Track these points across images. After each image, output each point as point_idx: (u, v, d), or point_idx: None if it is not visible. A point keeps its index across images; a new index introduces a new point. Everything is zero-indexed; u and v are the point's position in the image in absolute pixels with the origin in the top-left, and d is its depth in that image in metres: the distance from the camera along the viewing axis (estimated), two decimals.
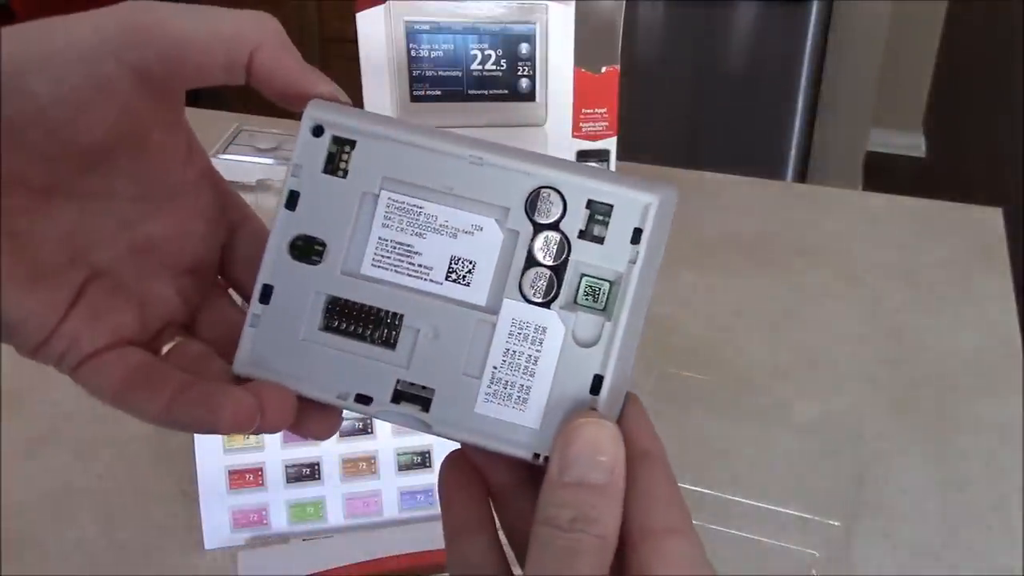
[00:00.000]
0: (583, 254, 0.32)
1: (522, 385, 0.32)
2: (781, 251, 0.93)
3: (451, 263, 0.33)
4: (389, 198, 0.33)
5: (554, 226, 0.32)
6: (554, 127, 0.89)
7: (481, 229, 0.33)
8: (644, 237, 0.32)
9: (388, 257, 0.33)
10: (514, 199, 0.33)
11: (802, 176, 2.17)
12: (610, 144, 0.90)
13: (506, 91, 0.87)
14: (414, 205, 0.33)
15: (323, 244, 0.33)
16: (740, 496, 0.66)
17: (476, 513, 0.34)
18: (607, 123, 0.89)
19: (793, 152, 2.13)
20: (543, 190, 0.32)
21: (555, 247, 0.32)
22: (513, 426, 0.32)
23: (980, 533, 0.65)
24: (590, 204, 0.32)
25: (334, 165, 0.33)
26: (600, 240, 0.32)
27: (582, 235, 0.32)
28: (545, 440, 0.32)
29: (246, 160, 0.99)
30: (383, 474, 0.66)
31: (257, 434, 0.32)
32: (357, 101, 1.04)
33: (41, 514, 0.66)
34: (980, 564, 0.63)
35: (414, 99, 0.88)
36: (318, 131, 0.34)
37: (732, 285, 0.89)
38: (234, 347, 0.34)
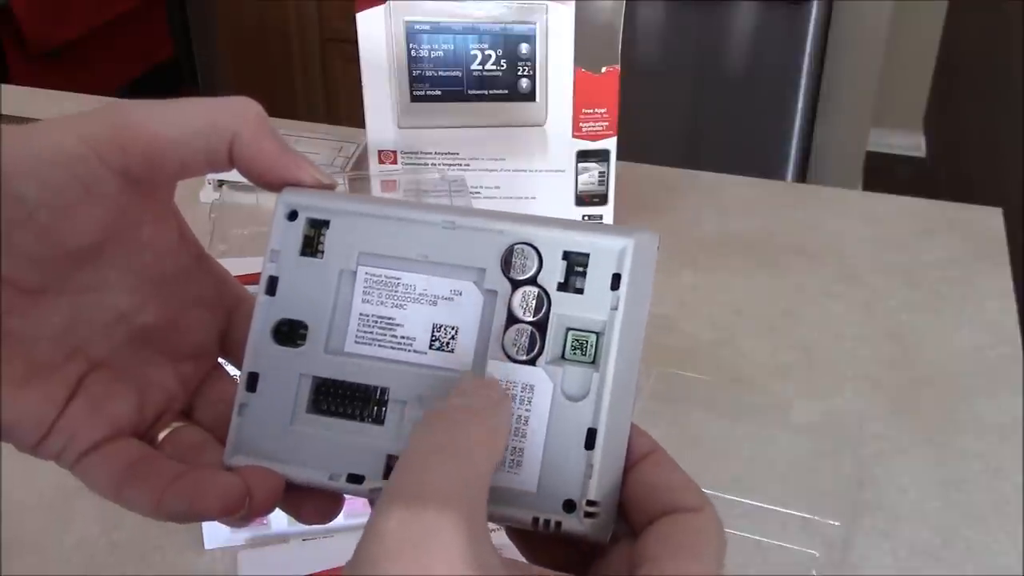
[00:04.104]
0: (564, 307, 0.32)
1: (515, 448, 0.31)
2: (781, 251, 0.93)
3: (434, 331, 0.33)
4: (366, 273, 0.33)
5: (531, 281, 0.32)
6: (554, 127, 0.89)
7: (460, 293, 0.32)
8: (623, 282, 0.31)
9: (371, 332, 0.33)
10: (489, 259, 0.32)
11: (802, 176, 2.18)
12: (610, 144, 0.90)
13: (506, 91, 0.87)
14: (392, 277, 0.33)
15: (306, 326, 0.33)
16: (740, 496, 0.66)
17: None
18: (607, 123, 0.89)
19: (793, 152, 2.13)
20: (517, 246, 0.32)
21: (533, 302, 0.32)
22: (510, 492, 0.31)
23: (980, 533, 0.65)
24: (566, 256, 0.32)
25: (312, 247, 0.33)
26: (580, 291, 0.32)
27: (561, 287, 0.32)
28: (544, 503, 0.31)
29: None
30: None
31: (247, 518, 0.32)
32: (357, 101, 1.04)
33: (41, 514, 0.66)
34: (980, 564, 0.63)
35: (414, 99, 0.88)
36: (292, 215, 0.34)
37: (732, 285, 0.89)
38: None
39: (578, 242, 0.32)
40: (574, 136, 0.89)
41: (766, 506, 0.66)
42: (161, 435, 0.34)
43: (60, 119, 0.31)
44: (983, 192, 2.06)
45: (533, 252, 0.32)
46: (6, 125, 0.30)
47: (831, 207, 1.01)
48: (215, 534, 0.64)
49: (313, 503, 0.33)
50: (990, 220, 0.98)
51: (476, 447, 0.28)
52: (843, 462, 0.70)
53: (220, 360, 0.37)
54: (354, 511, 0.65)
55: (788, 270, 0.91)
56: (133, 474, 0.32)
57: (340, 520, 0.67)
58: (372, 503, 0.33)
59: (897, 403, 0.76)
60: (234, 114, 0.32)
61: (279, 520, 0.64)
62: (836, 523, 0.65)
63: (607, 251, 0.31)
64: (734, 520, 0.65)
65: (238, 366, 0.35)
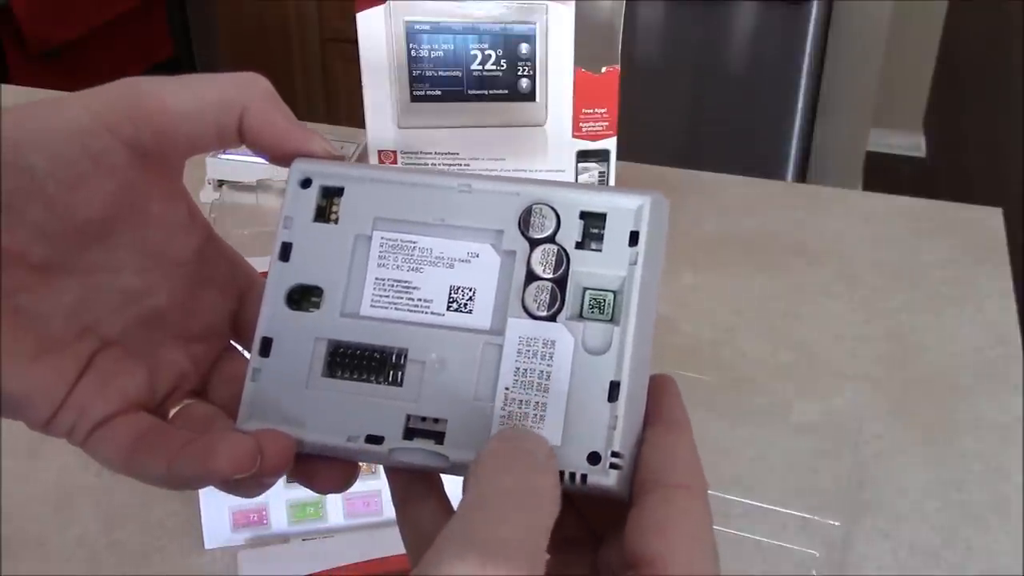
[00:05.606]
0: (583, 264, 0.32)
1: (537, 403, 0.31)
2: (781, 251, 0.93)
3: (451, 293, 0.33)
4: (382, 238, 0.33)
5: (550, 239, 0.32)
6: (554, 127, 0.89)
7: (477, 255, 0.33)
8: (641, 238, 0.32)
9: (386, 296, 0.33)
10: (507, 220, 0.33)
11: (802, 176, 2.18)
12: (610, 144, 0.90)
13: (506, 91, 0.87)
14: (408, 241, 0.33)
15: (320, 292, 0.33)
16: (740, 496, 0.66)
17: (423, 479, 0.34)
18: (607, 123, 0.89)
19: (793, 152, 2.13)
20: (535, 206, 0.33)
21: (553, 258, 0.32)
22: None
23: (980, 533, 0.65)
24: (583, 215, 0.32)
25: (324, 216, 0.34)
26: (598, 249, 0.32)
27: (579, 246, 0.32)
28: (569, 456, 0.31)
29: (247, 159, 0.99)
30: (383, 473, 0.66)
31: (259, 481, 0.32)
32: (357, 101, 1.04)
33: (42, 513, 0.66)
34: (980, 564, 0.63)
35: (414, 99, 0.88)
36: (306, 183, 0.34)
37: (732, 285, 0.89)
38: None
39: (595, 202, 0.32)
40: (574, 136, 0.89)
41: (766, 506, 0.66)
42: (172, 412, 0.34)
43: (71, 93, 0.31)
44: (983, 192, 2.06)
45: (551, 212, 0.32)
46: (12, 103, 0.30)
47: (831, 207, 1.01)
48: (215, 534, 0.64)
49: (327, 470, 0.33)
50: (990, 220, 0.98)
51: (545, 497, 0.28)
52: (843, 462, 0.70)
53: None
54: (355, 511, 0.65)
55: (788, 270, 0.91)
56: (143, 443, 0.32)
57: (340, 520, 0.67)
58: (389, 467, 0.33)
59: (897, 403, 0.76)
60: (243, 88, 0.33)
61: (279, 520, 0.64)
62: (836, 523, 0.65)
63: (625, 210, 0.32)
64: (734, 520, 0.65)
65: (250, 348, 0.35)
